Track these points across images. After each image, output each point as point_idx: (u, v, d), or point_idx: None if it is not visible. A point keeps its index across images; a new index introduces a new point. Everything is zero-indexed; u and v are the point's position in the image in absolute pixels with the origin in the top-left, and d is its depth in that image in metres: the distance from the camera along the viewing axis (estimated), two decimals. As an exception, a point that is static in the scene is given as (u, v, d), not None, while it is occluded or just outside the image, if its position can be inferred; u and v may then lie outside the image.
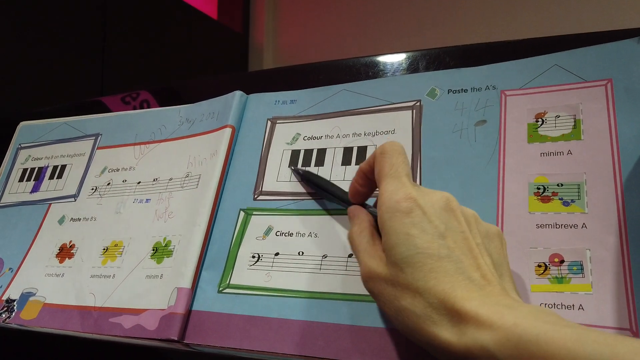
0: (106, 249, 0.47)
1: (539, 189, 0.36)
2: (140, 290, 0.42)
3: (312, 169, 0.43)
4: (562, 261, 0.33)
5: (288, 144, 0.46)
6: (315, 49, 2.07)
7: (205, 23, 1.98)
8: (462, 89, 0.42)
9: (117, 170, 0.52)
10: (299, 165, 0.44)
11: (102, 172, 0.53)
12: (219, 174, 0.45)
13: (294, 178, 0.44)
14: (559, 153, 0.36)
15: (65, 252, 0.49)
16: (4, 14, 1.28)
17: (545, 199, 0.35)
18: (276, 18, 2.22)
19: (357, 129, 0.44)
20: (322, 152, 0.44)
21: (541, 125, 0.38)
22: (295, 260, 0.39)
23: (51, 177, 0.56)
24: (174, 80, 1.70)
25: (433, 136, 0.41)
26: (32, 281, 0.48)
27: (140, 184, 0.50)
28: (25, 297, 0.47)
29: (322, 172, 0.43)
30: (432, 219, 0.28)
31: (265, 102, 0.49)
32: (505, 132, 0.39)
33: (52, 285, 0.47)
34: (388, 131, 0.43)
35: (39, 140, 0.60)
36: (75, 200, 0.52)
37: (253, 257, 0.41)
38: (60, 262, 0.48)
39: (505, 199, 0.36)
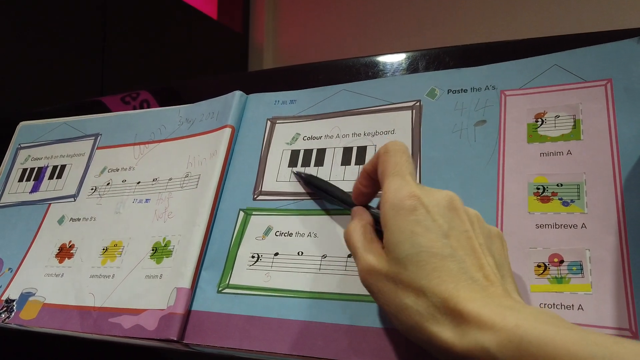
0: (106, 249, 0.47)
1: (538, 189, 0.36)
2: (139, 291, 0.42)
3: (312, 169, 0.43)
4: (561, 261, 0.33)
5: (288, 144, 0.46)
6: (315, 49, 2.07)
7: (205, 23, 1.98)
8: (461, 89, 0.42)
9: (117, 170, 0.52)
10: (299, 166, 0.44)
11: (102, 172, 0.53)
12: (219, 174, 0.45)
13: (293, 178, 0.44)
14: (558, 153, 0.36)
15: (64, 252, 0.49)
16: (4, 14, 1.28)
17: (545, 199, 0.35)
18: (276, 18, 2.22)
19: (357, 129, 0.44)
20: (321, 152, 0.44)
21: (541, 125, 0.38)
22: (295, 261, 0.39)
23: (51, 177, 0.56)
24: (174, 80, 1.70)
25: (433, 136, 0.41)
26: (32, 281, 0.48)
27: (140, 184, 0.50)
28: (25, 297, 0.47)
29: (322, 172, 0.43)
30: (436, 218, 0.28)
31: (265, 102, 0.49)
32: (504, 132, 0.39)
33: (52, 285, 0.47)
34: (388, 131, 0.43)
35: (39, 140, 0.60)
36: (74, 200, 0.52)
37: (252, 257, 0.41)
38: (60, 262, 0.48)
39: (505, 199, 0.36)
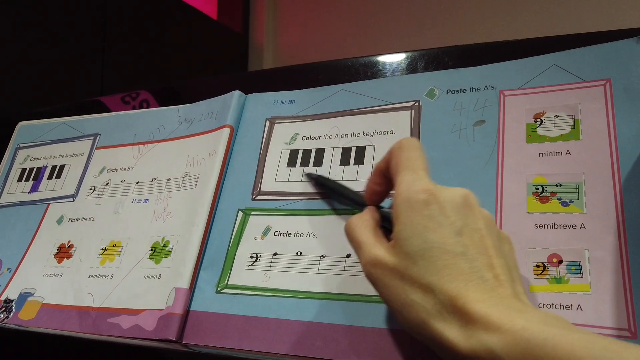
0: (104, 249, 0.47)
1: (537, 189, 0.36)
2: (138, 291, 0.42)
3: (311, 169, 0.43)
4: (560, 261, 0.33)
5: (286, 143, 0.46)
6: (315, 49, 2.07)
7: (205, 23, 1.98)
8: (460, 89, 0.42)
9: (116, 170, 0.52)
10: (298, 166, 0.44)
11: (101, 172, 0.53)
12: (218, 174, 0.45)
13: (292, 178, 0.44)
14: (557, 153, 0.36)
15: (63, 252, 0.49)
16: (4, 14, 1.28)
17: (544, 199, 0.35)
18: (276, 18, 2.22)
19: (356, 129, 0.44)
20: (320, 152, 0.44)
21: (540, 125, 0.38)
22: (294, 261, 0.39)
23: (50, 177, 0.56)
24: (174, 80, 1.70)
25: (432, 136, 0.41)
26: (31, 281, 0.48)
27: (139, 184, 0.50)
28: (24, 297, 0.47)
29: (321, 172, 0.43)
30: (450, 214, 0.28)
31: (263, 102, 0.49)
32: (504, 132, 0.39)
33: (51, 286, 0.47)
34: (387, 131, 0.43)
35: (38, 140, 0.60)
36: (73, 200, 0.52)
37: (251, 257, 0.41)
38: (59, 262, 0.48)
39: (504, 199, 0.36)
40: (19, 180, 0.58)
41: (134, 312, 0.41)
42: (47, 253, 0.49)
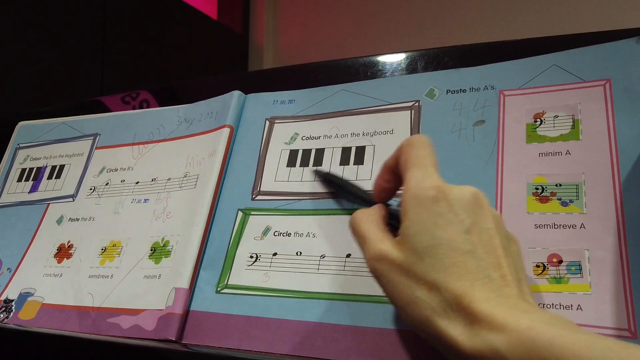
0: (104, 249, 0.47)
1: (537, 189, 0.36)
2: (138, 291, 0.42)
3: (311, 169, 0.43)
4: (560, 261, 0.33)
5: (286, 143, 0.46)
6: (315, 49, 2.07)
7: (205, 23, 1.98)
8: (460, 89, 0.42)
9: (116, 170, 0.52)
10: (297, 166, 0.44)
11: (101, 172, 0.53)
12: (217, 174, 0.45)
13: (292, 178, 0.44)
14: (557, 153, 0.36)
15: (63, 252, 0.49)
16: (4, 14, 1.28)
17: (544, 199, 0.35)
18: (276, 18, 2.22)
19: (356, 129, 0.44)
20: (320, 152, 0.44)
21: (540, 125, 0.38)
22: (293, 261, 0.39)
23: (49, 177, 0.56)
24: (174, 80, 1.70)
25: (432, 136, 0.40)
26: (31, 281, 0.48)
27: (139, 184, 0.50)
28: (24, 297, 0.47)
29: (321, 172, 0.43)
30: (459, 212, 0.27)
31: (263, 102, 0.49)
32: (503, 132, 0.39)
33: (51, 286, 0.47)
34: (386, 131, 0.43)
35: (38, 140, 0.60)
36: (73, 200, 0.52)
37: (251, 257, 0.41)
38: (59, 262, 0.48)
39: (504, 199, 0.36)
40: (19, 180, 0.58)
41: (134, 312, 0.41)
42: (47, 253, 0.49)
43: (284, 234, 0.41)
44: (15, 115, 0.66)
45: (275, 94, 0.49)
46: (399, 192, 0.33)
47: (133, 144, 0.53)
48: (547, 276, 0.33)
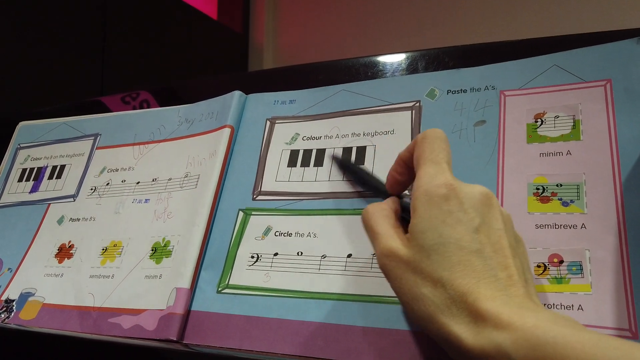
0: (105, 249, 0.47)
1: (538, 189, 0.36)
2: (139, 291, 0.42)
3: (311, 169, 0.43)
4: (561, 261, 0.33)
5: (287, 144, 0.46)
6: (315, 49, 2.07)
7: (205, 23, 1.98)
8: (461, 90, 0.42)
9: (116, 170, 0.52)
10: (298, 166, 0.44)
11: (101, 172, 0.53)
12: (218, 174, 0.45)
13: (293, 178, 0.44)
14: (558, 153, 0.36)
15: (64, 252, 0.49)
16: (4, 14, 1.28)
17: (545, 199, 0.35)
18: (276, 18, 2.22)
19: (356, 129, 0.44)
20: (321, 152, 0.44)
21: (540, 125, 0.38)
22: (294, 261, 0.39)
23: (50, 177, 0.56)
24: (174, 80, 1.70)
25: (432, 136, 0.41)
26: (31, 281, 0.48)
27: (140, 184, 0.50)
28: (25, 297, 0.47)
29: (321, 172, 0.43)
30: (469, 211, 0.27)
31: (264, 102, 0.49)
32: (504, 133, 0.39)
33: (51, 286, 0.47)
34: (387, 132, 0.43)
35: (38, 141, 0.60)
36: (74, 200, 0.52)
37: (252, 257, 0.41)
38: (60, 262, 0.48)
39: (505, 199, 0.36)
40: (20, 180, 0.58)
41: (135, 312, 0.41)
42: (48, 253, 0.49)
43: (285, 234, 0.41)
44: (16, 115, 0.66)
45: (276, 94, 0.49)
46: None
47: (134, 144, 0.53)
48: (548, 276, 0.33)
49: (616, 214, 0.33)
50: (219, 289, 0.40)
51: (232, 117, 0.48)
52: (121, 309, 0.42)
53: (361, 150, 0.43)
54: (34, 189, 0.56)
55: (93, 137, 0.57)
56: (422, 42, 1.76)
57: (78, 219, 0.51)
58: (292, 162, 0.45)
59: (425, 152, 0.30)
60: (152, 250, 0.44)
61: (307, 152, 0.45)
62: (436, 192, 0.28)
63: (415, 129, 0.42)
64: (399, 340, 0.33)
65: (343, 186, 0.41)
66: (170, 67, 1.75)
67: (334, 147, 0.44)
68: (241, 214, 0.43)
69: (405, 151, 0.33)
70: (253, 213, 0.43)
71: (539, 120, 0.38)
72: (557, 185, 0.35)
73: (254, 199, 0.44)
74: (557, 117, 0.38)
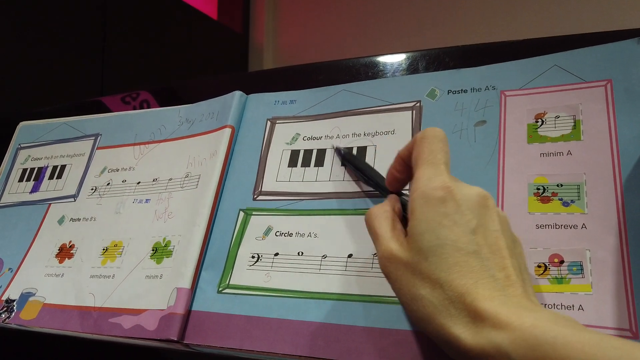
0: (106, 249, 0.47)
1: (538, 189, 0.36)
2: (139, 291, 0.42)
3: (312, 169, 0.43)
4: (561, 261, 0.33)
5: (288, 144, 0.46)
6: (315, 49, 2.07)
7: (205, 23, 1.98)
8: (461, 90, 0.42)
9: (117, 170, 0.52)
10: (299, 166, 0.44)
11: (102, 172, 0.53)
12: (219, 174, 0.45)
13: (293, 178, 0.44)
14: (558, 153, 0.36)
15: (64, 252, 0.49)
16: (4, 14, 1.28)
17: (545, 200, 0.35)
18: (276, 18, 2.22)
19: (357, 130, 0.44)
20: (321, 153, 0.44)
21: (541, 125, 0.38)
22: (295, 261, 0.39)
23: (51, 177, 0.56)
24: (174, 80, 1.70)
25: (433, 136, 0.41)
26: (32, 281, 0.48)
27: (140, 184, 0.50)
28: (25, 297, 0.47)
29: (322, 172, 0.43)
30: (466, 213, 0.28)
31: (264, 102, 0.49)
32: (505, 133, 0.39)
33: (52, 286, 0.47)
34: (388, 132, 0.43)
35: (39, 141, 0.60)
36: (74, 200, 0.52)
37: (253, 257, 0.41)
38: (60, 262, 0.48)
39: (505, 199, 0.36)
40: (20, 180, 0.58)
41: (136, 312, 0.41)
42: (49, 253, 0.49)
43: (286, 234, 0.41)
44: (16, 115, 0.66)
45: (276, 94, 0.49)
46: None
47: (134, 144, 0.53)
48: (549, 276, 0.33)
49: (617, 214, 0.33)
50: (220, 289, 0.40)
51: (233, 117, 0.48)
52: (122, 309, 0.42)
53: (362, 151, 0.43)
54: (35, 189, 0.56)
55: (93, 137, 0.57)
56: (423, 42, 1.76)
57: (79, 219, 0.51)
58: (292, 162, 0.45)
59: (424, 152, 0.31)
60: (153, 250, 0.44)
61: (308, 152, 0.45)
62: (433, 195, 0.28)
63: (416, 129, 0.42)
64: (399, 340, 0.33)
65: (344, 186, 0.41)
66: (170, 67, 1.75)
67: (335, 143, 0.44)
68: (242, 214, 0.43)
69: (404, 149, 0.33)
70: (254, 213, 0.43)
71: (540, 120, 0.38)
72: (557, 186, 0.35)
73: (254, 199, 0.44)
74: (557, 117, 0.38)
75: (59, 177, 0.55)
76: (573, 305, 0.31)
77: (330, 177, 0.42)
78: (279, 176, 0.44)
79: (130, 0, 1.65)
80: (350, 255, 0.38)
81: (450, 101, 0.42)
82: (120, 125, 0.56)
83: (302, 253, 0.39)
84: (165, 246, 0.44)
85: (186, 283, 0.40)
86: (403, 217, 0.32)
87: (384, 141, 0.42)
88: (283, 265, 0.39)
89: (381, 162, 0.41)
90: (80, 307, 0.44)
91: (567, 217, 0.34)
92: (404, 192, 0.35)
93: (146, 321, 0.40)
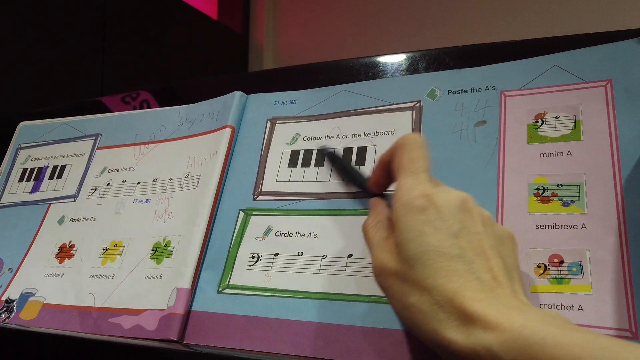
0: (106, 249, 0.47)
1: (538, 189, 0.36)
2: (139, 291, 0.42)
3: (312, 169, 0.43)
4: (561, 262, 0.33)
5: (288, 144, 0.46)
6: (315, 49, 2.07)
7: (205, 23, 1.98)
8: (462, 90, 0.42)
9: (117, 170, 0.52)
10: (299, 166, 0.44)
11: (102, 172, 0.53)
12: (219, 174, 0.45)
13: (293, 178, 0.44)
14: (558, 154, 0.36)
15: (64, 252, 0.49)
16: (4, 14, 1.28)
17: (545, 200, 0.35)
18: (276, 18, 2.22)
19: (357, 130, 0.44)
20: (321, 153, 0.44)
21: (541, 125, 0.38)
22: (295, 261, 0.39)
23: (51, 177, 0.56)
24: (174, 80, 1.70)
25: (433, 137, 0.41)
26: (32, 281, 0.48)
27: (140, 184, 0.50)
28: (25, 297, 0.47)
29: (322, 172, 0.43)
30: (447, 218, 0.28)
31: (265, 103, 0.49)
32: (505, 133, 0.39)
33: (52, 286, 0.47)
34: (388, 132, 0.43)
35: (39, 141, 0.60)
36: (75, 200, 0.52)
37: (252, 257, 0.41)
38: (60, 262, 0.48)
39: (505, 200, 0.36)
40: (20, 180, 0.58)
41: (135, 312, 0.41)
42: (49, 253, 0.49)
43: (286, 234, 0.41)
44: (16, 115, 0.66)
45: (276, 94, 0.49)
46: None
47: (134, 144, 0.53)
48: (549, 277, 0.33)
49: (616, 214, 0.33)
50: (220, 289, 0.40)
51: (233, 118, 0.48)
52: (121, 309, 0.42)
53: (362, 151, 0.43)
54: (35, 189, 0.56)
55: (94, 137, 0.57)
56: (423, 42, 1.76)
57: (79, 219, 0.51)
58: (292, 163, 0.45)
59: (403, 161, 0.31)
60: (153, 250, 0.44)
61: (308, 153, 0.45)
62: (413, 204, 0.29)
63: (416, 129, 0.42)
64: (399, 340, 0.33)
65: (344, 186, 0.41)
66: (170, 67, 1.75)
67: (335, 148, 0.44)
68: (242, 214, 0.43)
69: (385, 154, 0.34)
70: (254, 213, 0.43)
71: (540, 120, 0.38)
72: (557, 186, 0.35)
73: (254, 199, 0.44)
74: (557, 117, 0.38)
75: (59, 177, 0.55)
76: (573, 306, 0.31)
77: (331, 178, 0.42)
78: (279, 176, 0.44)
79: (130, 0, 1.64)
80: (350, 256, 0.38)
81: (450, 101, 0.42)
82: (121, 125, 0.56)
83: (302, 253, 0.39)
84: (165, 246, 0.44)
85: (186, 283, 0.40)
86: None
87: (384, 141, 0.42)
88: (283, 265, 0.39)
89: (381, 162, 0.41)
90: (80, 307, 0.44)
91: (567, 217, 0.34)
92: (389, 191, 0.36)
93: (146, 321, 0.40)
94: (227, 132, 0.47)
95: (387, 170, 0.34)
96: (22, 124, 0.63)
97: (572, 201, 0.35)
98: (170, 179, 0.48)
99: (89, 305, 0.43)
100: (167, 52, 1.76)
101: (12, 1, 1.29)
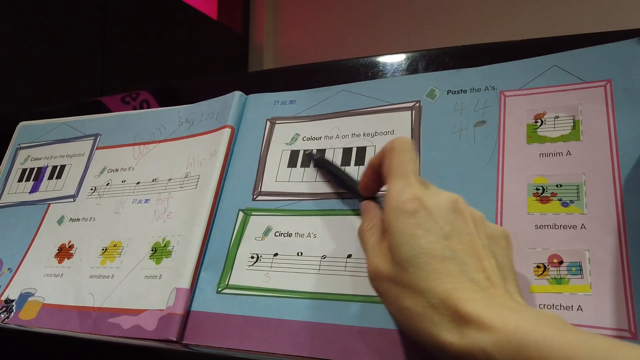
0: (105, 249, 0.47)
1: (538, 189, 0.36)
2: (139, 291, 0.42)
3: (312, 169, 0.43)
4: (561, 262, 0.33)
5: (287, 144, 0.46)
6: (315, 49, 2.07)
7: (205, 23, 1.98)
8: (461, 90, 0.42)
9: (117, 170, 0.52)
10: (298, 166, 0.44)
11: (102, 172, 0.53)
12: (218, 175, 0.45)
13: (293, 178, 0.44)
14: (558, 154, 0.36)
15: (64, 252, 0.49)
16: (4, 14, 1.28)
17: (544, 200, 0.35)
18: (276, 18, 2.22)
19: (357, 130, 0.44)
20: (321, 153, 0.44)
21: (540, 126, 0.38)
22: (294, 261, 0.39)
23: (50, 177, 0.56)
24: (174, 80, 1.70)
25: (432, 137, 0.41)
26: (31, 281, 0.48)
27: (140, 184, 0.50)
28: (24, 297, 0.47)
29: (322, 173, 0.43)
30: (438, 220, 0.28)
31: (264, 103, 0.49)
32: (504, 133, 0.39)
33: (51, 286, 0.47)
34: (387, 132, 0.43)
35: (38, 141, 0.60)
36: (74, 200, 0.52)
37: (252, 257, 0.41)
38: (59, 262, 0.48)
39: (505, 200, 0.36)
40: (20, 180, 0.58)
41: (135, 312, 0.41)
42: (48, 253, 0.49)
43: (285, 235, 0.41)
44: (16, 115, 0.66)
45: (276, 94, 0.49)
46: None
47: (134, 144, 0.53)
48: (548, 277, 0.33)
49: (616, 214, 0.33)
50: (219, 289, 0.40)
51: (233, 118, 0.48)
52: (121, 309, 0.42)
53: (361, 151, 0.43)
54: (34, 189, 0.56)
55: (93, 137, 0.57)
56: (422, 42, 1.76)
57: (78, 219, 0.51)
58: (292, 163, 0.45)
59: (393, 165, 0.32)
60: (152, 250, 0.44)
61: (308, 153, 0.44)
62: (404, 208, 0.29)
63: (416, 129, 0.42)
64: (397, 341, 0.33)
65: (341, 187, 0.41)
66: (170, 67, 1.75)
67: (334, 148, 0.44)
68: (241, 214, 0.43)
69: (375, 158, 0.34)
70: (253, 213, 0.43)
71: (539, 120, 0.38)
72: (557, 186, 0.35)
73: (254, 199, 0.44)
74: (557, 117, 0.38)
75: (59, 177, 0.55)
76: (572, 306, 0.31)
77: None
78: (279, 176, 0.44)
79: (130, 0, 1.64)
80: (349, 256, 0.38)
81: (450, 101, 0.42)
82: (120, 126, 0.56)
83: (302, 253, 0.39)
84: (164, 246, 0.44)
85: (185, 283, 0.40)
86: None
87: (383, 141, 0.42)
88: (282, 265, 0.39)
89: (380, 162, 0.41)
90: (80, 307, 0.44)
91: (566, 217, 0.34)
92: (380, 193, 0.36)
93: (145, 321, 0.40)
94: (227, 132, 0.47)
95: (377, 174, 0.34)
96: (22, 124, 0.63)
97: (571, 201, 0.35)
98: (170, 179, 0.48)
99: (88, 306, 0.43)
100: (167, 52, 1.76)
101: (12, 1, 1.29)
